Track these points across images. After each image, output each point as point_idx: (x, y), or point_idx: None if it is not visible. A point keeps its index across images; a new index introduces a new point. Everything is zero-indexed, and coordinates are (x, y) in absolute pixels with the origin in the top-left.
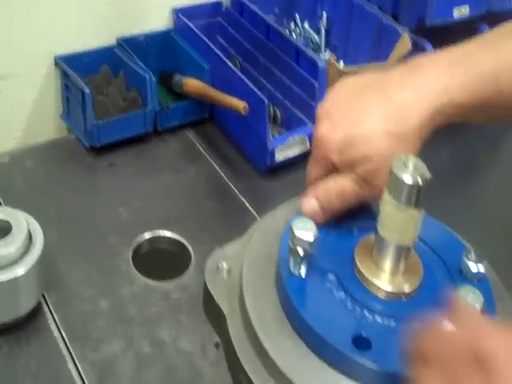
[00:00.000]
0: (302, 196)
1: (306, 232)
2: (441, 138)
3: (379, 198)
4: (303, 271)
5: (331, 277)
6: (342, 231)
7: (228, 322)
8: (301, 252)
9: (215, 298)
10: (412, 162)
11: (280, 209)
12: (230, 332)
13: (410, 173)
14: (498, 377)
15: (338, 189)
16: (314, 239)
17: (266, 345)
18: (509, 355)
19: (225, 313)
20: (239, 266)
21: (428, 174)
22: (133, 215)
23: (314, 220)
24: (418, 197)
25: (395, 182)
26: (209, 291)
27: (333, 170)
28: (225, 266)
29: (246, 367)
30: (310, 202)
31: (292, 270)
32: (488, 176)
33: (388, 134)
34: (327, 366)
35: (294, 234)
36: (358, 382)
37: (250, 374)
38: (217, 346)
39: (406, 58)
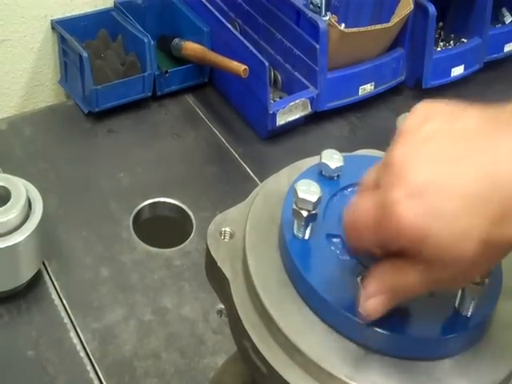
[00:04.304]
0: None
1: (309, 194)
2: None
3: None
4: (307, 234)
5: (336, 241)
6: (348, 196)
7: (231, 287)
8: (304, 213)
9: (218, 262)
10: None
11: (283, 172)
12: (233, 297)
13: None
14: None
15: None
16: (318, 199)
17: (270, 309)
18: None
19: (228, 277)
20: (242, 230)
21: None
22: (133, 181)
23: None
24: None
25: None
26: (211, 256)
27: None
28: (227, 229)
29: (250, 332)
30: (375, 301)
31: (295, 232)
32: None
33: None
34: (332, 330)
35: (297, 195)
36: (363, 346)
37: (254, 339)
38: (219, 313)
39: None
